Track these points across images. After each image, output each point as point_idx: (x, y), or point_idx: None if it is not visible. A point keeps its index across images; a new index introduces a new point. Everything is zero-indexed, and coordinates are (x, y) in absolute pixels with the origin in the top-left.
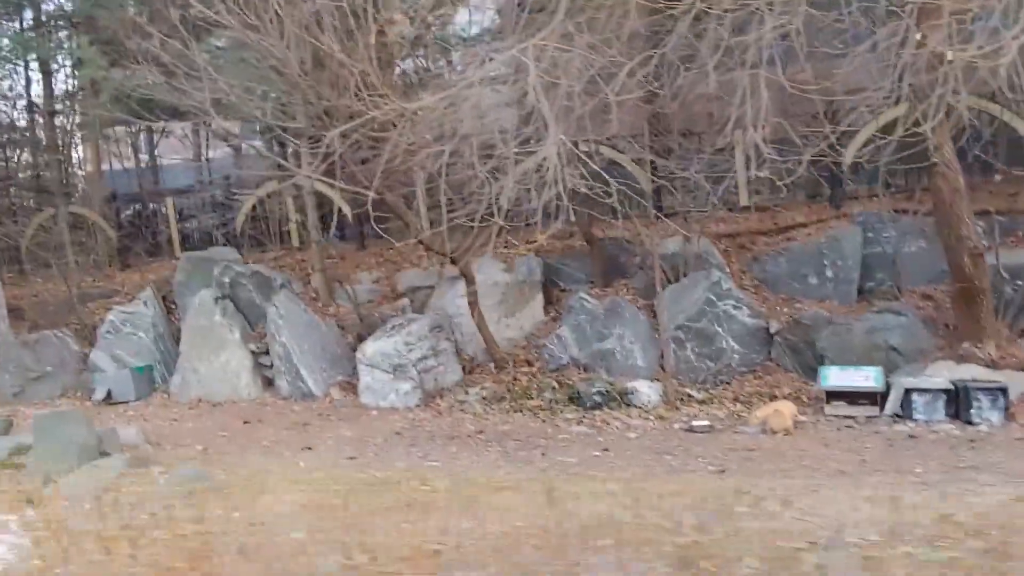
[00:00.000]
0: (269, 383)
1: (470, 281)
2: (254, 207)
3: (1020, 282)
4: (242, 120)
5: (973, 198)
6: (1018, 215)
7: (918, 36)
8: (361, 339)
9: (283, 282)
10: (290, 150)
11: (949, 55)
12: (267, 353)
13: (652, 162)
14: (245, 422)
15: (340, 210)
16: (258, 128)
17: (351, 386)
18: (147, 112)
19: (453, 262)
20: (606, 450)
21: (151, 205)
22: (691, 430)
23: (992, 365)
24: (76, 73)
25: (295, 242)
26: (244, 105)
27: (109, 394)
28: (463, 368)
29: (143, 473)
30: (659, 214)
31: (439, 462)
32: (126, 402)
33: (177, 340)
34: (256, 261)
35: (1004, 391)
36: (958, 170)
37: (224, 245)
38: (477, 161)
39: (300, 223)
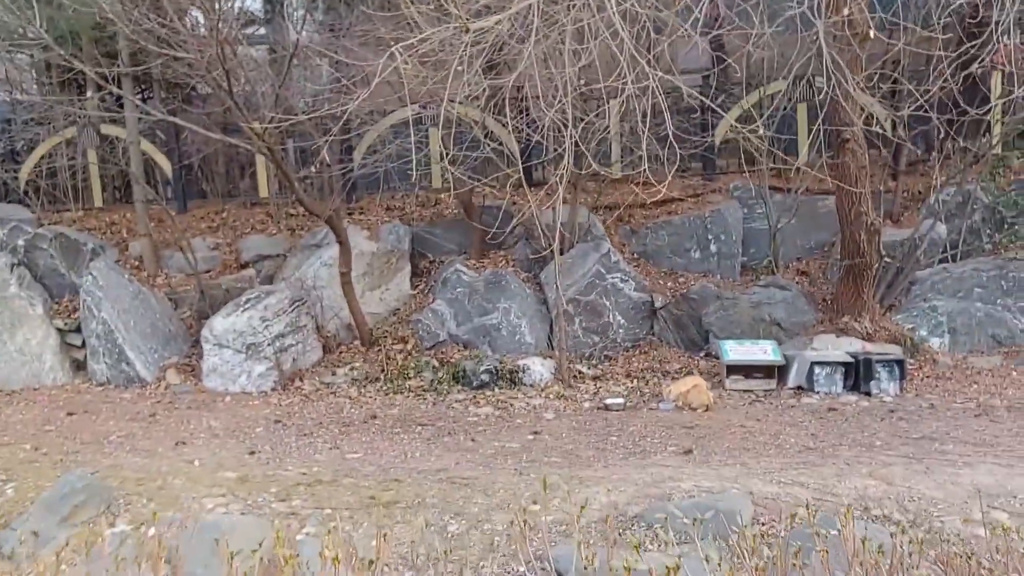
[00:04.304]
0: (80, 367)
1: (345, 247)
2: (44, 157)
3: (888, 260)
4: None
5: None
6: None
7: (846, 12)
8: (201, 315)
9: (95, 247)
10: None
11: (872, 32)
12: (78, 331)
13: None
14: (70, 414)
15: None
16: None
17: (190, 368)
18: None
19: (329, 224)
20: (537, 432)
21: None
22: (606, 408)
23: (868, 338)
24: None
25: (98, 201)
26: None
27: None
28: (323, 347)
29: None
30: (541, 180)
31: (359, 453)
32: None
33: None
34: (53, 223)
35: (900, 363)
36: (865, 148)
37: (8, 202)
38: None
39: (107, 179)
